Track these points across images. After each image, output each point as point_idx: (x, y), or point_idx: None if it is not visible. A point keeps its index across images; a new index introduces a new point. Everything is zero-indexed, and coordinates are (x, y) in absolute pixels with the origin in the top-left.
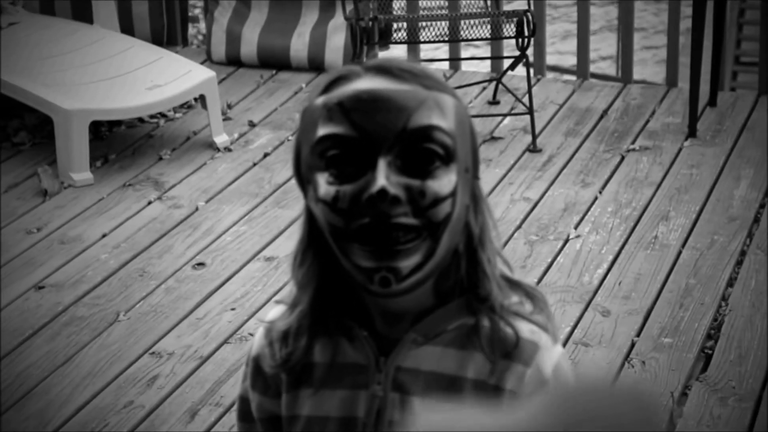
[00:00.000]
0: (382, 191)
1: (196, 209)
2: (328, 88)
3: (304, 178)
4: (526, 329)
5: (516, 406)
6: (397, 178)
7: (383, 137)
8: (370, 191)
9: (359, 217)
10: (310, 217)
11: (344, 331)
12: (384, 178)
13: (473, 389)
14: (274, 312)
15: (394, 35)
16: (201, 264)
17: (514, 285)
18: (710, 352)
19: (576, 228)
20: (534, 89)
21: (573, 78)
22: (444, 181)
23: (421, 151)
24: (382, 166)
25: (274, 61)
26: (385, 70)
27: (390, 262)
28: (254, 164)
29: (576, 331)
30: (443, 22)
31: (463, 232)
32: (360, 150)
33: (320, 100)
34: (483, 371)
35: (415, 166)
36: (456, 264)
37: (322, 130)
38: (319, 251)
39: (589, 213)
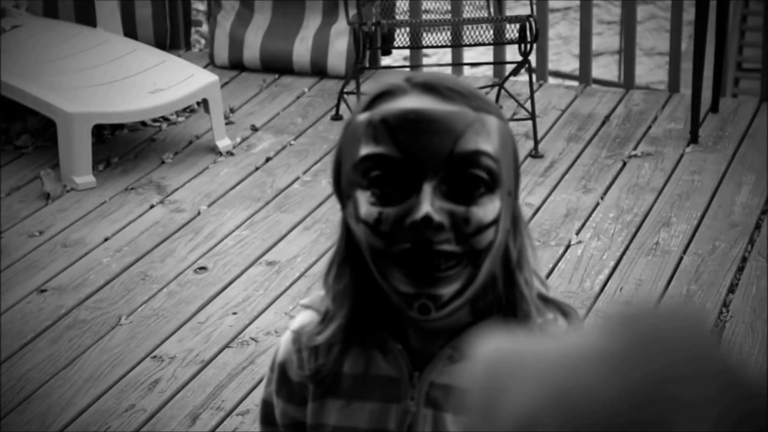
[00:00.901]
0: (427, 218)
1: (198, 213)
2: (372, 104)
3: (344, 193)
4: None
5: (573, 334)
6: (441, 203)
7: (429, 161)
8: (414, 217)
9: (401, 241)
10: (347, 231)
11: (378, 343)
12: (429, 204)
13: None
14: (302, 318)
15: (397, 40)
16: (203, 268)
17: (549, 303)
18: None
19: (577, 234)
20: (536, 95)
21: (575, 83)
22: (488, 208)
23: (466, 177)
24: (427, 191)
25: (277, 66)
26: (432, 88)
27: (430, 289)
28: (256, 168)
29: None
30: (446, 27)
31: (502, 255)
32: (404, 172)
33: (364, 116)
34: None
35: (460, 191)
36: (493, 283)
37: (366, 149)
38: (356, 266)
39: (591, 219)
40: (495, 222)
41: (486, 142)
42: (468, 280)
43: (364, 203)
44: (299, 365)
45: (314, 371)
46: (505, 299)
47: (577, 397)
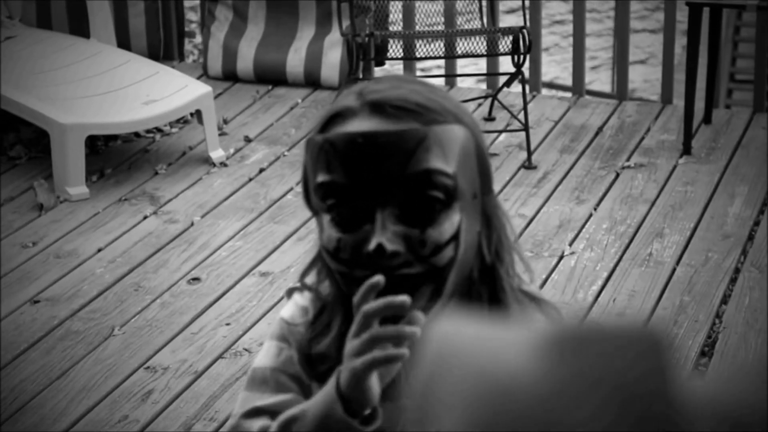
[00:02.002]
0: (380, 248)
1: (192, 224)
2: (326, 125)
3: (313, 209)
4: None
5: (521, 329)
6: (395, 228)
7: (380, 186)
8: (368, 248)
9: (362, 267)
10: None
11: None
12: (380, 233)
13: None
14: (291, 310)
15: (390, 51)
16: (196, 279)
17: (532, 299)
18: (704, 369)
19: (571, 245)
20: (529, 106)
21: (568, 95)
22: (445, 227)
23: (421, 198)
24: (379, 219)
25: (271, 77)
26: (380, 107)
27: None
28: (250, 179)
29: None
30: (439, 39)
31: (476, 256)
32: (358, 198)
33: (318, 139)
34: None
35: (416, 213)
36: (477, 291)
37: (320, 177)
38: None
39: (584, 230)
40: (454, 239)
41: (438, 157)
42: (434, 295)
43: (326, 226)
44: (294, 361)
45: (312, 372)
46: (488, 294)
47: (508, 391)
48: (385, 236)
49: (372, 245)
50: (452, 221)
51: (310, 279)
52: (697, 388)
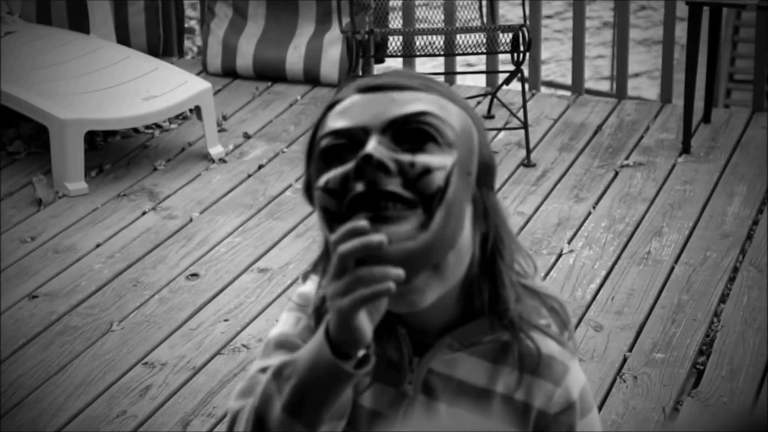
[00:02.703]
0: (367, 156)
1: (191, 220)
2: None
3: (313, 201)
4: (555, 348)
5: None
6: (388, 153)
7: (375, 121)
8: (358, 158)
9: (350, 200)
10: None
11: (386, 325)
12: (372, 147)
13: (501, 404)
14: (306, 290)
15: (390, 48)
16: (195, 275)
17: (532, 293)
18: (702, 367)
19: (569, 243)
20: (529, 104)
21: (568, 93)
22: (435, 156)
23: (413, 131)
24: (372, 139)
25: (270, 73)
26: (378, 89)
27: (382, 228)
28: (249, 176)
29: None
30: (439, 36)
31: (477, 249)
32: (354, 139)
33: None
34: (512, 387)
35: (408, 144)
36: (479, 287)
37: (325, 129)
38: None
39: (583, 228)
40: (444, 170)
41: (438, 109)
42: (421, 225)
43: (321, 175)
44: (311, 330)
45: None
46: (488, 289)
47: None
48: (375, 150)
49: (362, 153)
50: (444, 159)
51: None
52: None
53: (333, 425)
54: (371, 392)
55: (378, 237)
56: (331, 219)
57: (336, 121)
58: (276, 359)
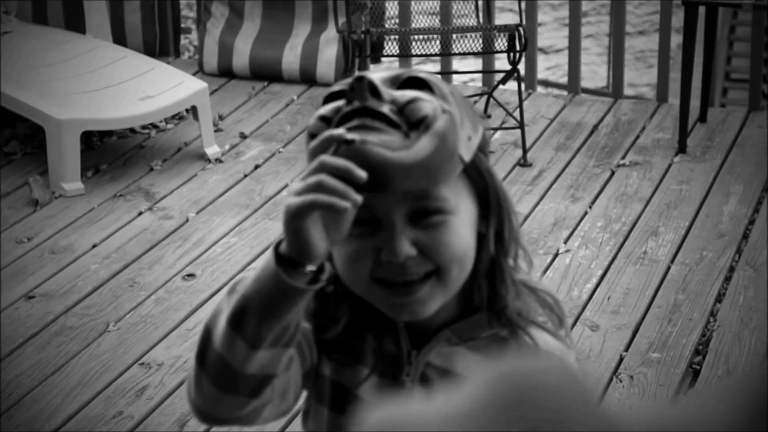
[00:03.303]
0: (360, 77)
1: (187, 220)
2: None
3: None
4: (553, 343)
5: (454, 390)
6: (382, 83)
7: (375, 77)
8: (350, 81)
9: (340, 113)
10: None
11: (385, 319)
12: (367, 74)
13: None
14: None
15: (386, 48)
16: (191, 275)
17: (530, 290)
18: (698, 367)
19: (565, 242)
20: (525, 103)
21: (564, 93)
22: (429, 96)
23: (410, 80)
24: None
25: (266, 73)
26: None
27: (367, 134)
28: (245, 176)
29: None
30: (435, 36)
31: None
32: (353, 88)
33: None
34: None
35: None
36: (478, 284)
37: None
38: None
39: (579, 228)
40: (432, 103)
41: (431, 77)
42: (403, 144)
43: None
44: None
45: (325, 335)
46: (489, 291)
47: None
48: (370, 75)
49: (353, 76)
50: (437, 101)
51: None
52: (621, 410)
53: (278, 352)
54: (369, 384)
55: (361, 173)
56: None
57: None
58: None
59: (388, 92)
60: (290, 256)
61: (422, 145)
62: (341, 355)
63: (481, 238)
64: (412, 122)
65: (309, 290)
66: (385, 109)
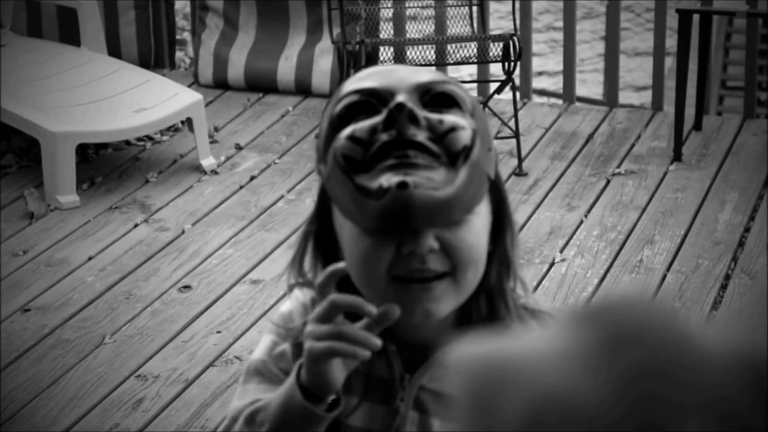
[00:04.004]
0: (400, 104)
1: (183, 232)
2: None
3: (323, 160)
4: None
5: (546, 335)
6: (417, 107)
7: (402, 84)
8: (389, 107)
9: (378, 142)
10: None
11: None
12: (403, 98)
13: None
14: (286, 311)
15: (381, 59)
16: (187, 287)
17: (532, 313)
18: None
19: (561, 251)
20: (520, 113)
21: (559, 102)
22: (462, 120)
23: (438, 95)
24: (400, 95)
25: (261, 84)
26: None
27: (406, 171)
28: (241, 187)
29: None
30: (430, 46)
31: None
32: (379, 97)
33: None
34: None
35: (432, 108)
36: (477, 300)
37: (347, 90)
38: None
39: (575, 236)
40: (469, 129)
41: (454, 82)
42: (446, 181)
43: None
44: (287, 356)
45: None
46: (490, 310)
47: (571, 399)
48: (407, 100)
49: (393, 103)
50: (469, 122)
51: (310, 272)
52: (710, 335)
53: None
54: (361, 411)
55: (371, 307)
56: (353, 168)
57: (359, 83)
58: (251, 396)
59: (424, 116)
60: (312, 390)
61: (462, 177)
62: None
63: (487, 256)
64: (452, 153)
65: (331, 416)
66: (422, 137)
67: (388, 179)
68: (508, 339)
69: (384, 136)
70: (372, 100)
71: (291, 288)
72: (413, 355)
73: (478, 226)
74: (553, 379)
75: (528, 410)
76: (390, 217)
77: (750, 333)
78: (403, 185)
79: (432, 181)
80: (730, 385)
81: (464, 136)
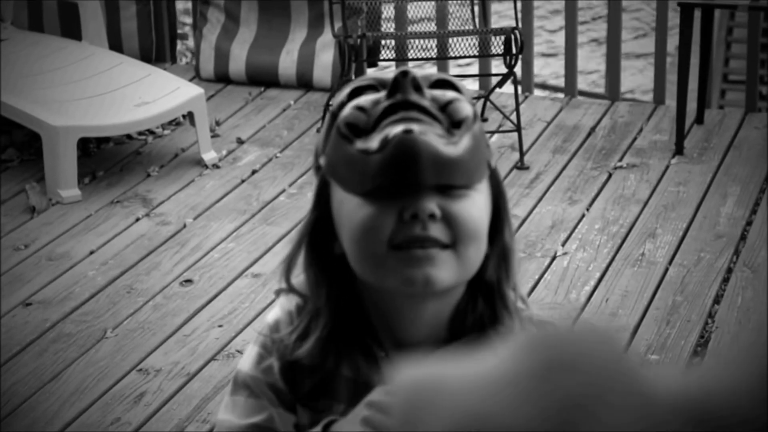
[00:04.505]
0: (405, 71)
1: (184, 226)
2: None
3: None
4: None
5: (491, 353)
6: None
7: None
8: (395, 74)
9: (382, 105)
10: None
11: (363, 350)
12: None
13: None
14: (272, 320)
15: (383, 53)
16: (188, 281)
17: (537, 324)
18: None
19: (563, 245)
20: (522, 106)
21: (561, 95)
22: (463, 98)
23: (439, 82)
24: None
25: (263, 78)
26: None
27: (412, 125)
28: (242, 181)
29: None
30: (431, 40)
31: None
32: (384, 84)
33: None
34: None
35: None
36: (473, 302)
37: (356, 81)
38: (332, 273)
39: (577, 230)
40: (470, 105)
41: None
42: (451, 142)
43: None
44: (274, 371)
45: (312, 387)
46: (489, 313)
47: (493, 422)
48: (411, 70)
49: (398, 70)
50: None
51: (298, 277)
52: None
53: None
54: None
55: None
56: (355, 133)
57: (362, 80)
58: (239, 410)
59: (427, 90)
60: None
61: (465, 143)
62: (314, 399)
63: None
64: (454, 121)
65: None
66: (427, 104)
67: (393, 131)
68: (452, 362)
69: (390, 100)
70: (375, 83)
71: (278, 294)
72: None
73: (480, 202)
74: (480, 402)
75: (448, 429)
76: (395, 166)
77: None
78: (408, 131)
79: (436, 134)
80: (668, 423)
81: (466, 108)
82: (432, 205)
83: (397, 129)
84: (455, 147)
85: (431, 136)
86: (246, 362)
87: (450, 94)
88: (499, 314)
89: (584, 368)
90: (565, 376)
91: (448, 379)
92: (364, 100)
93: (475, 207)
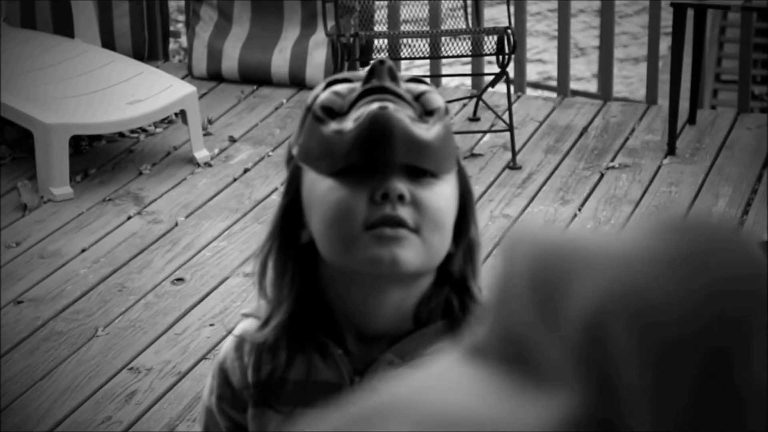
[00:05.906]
0: (381, 60)
1: (176, 224)
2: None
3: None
4: None
5: (624, 235)
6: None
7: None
8: (372, 63)
9: (358, 90)
10: (286, 215)
11: (318, 347)
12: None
13: None
14: (245, 325)
15: (375, 52)
16: (180, 279)
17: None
18: None
19: None
20: (514, 106)
21: (553, 95)
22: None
23: (412, 80)
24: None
25: (255, 77)
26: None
27: (385, 103)
28: (234, 180)
29: None
30: (424, 39)
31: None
32: (359, 79)
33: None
34: None
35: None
36: (438, 289)
37: (321, 85)
38: (297, 263)
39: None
40: (442, 99)
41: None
42: (423, 127)
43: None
44: (242, 373)
45: (265, 378)
46: (455, 307)
47: (644, 293)
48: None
49: (375, 60)
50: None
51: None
52: None
53: None
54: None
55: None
56: (329, 115)
57: (343, 73)
58: None
59: (403, 83)
60: None
61: (437, 130)
62: (278, 404)
63: (447, 258)
64: (427, 110)
65: None
66: (402, 92)
67: (367, 108)
68: (576, 234)
69: (365, 86)
70: (351, 78)
71: (244, 316)
72: (364, 354)
73: (447, 194)
74: (624, 276)
75: (591, 304)
76: (368, 141)
77: None
78: (383, 108)
79: (408, 113)
80: None
81: (438, 100)
82: (402, 186)
83: (372, 106)
84: (427, 131)
85: (404, 116)
86: (206, 391)
87: (423, 87)
88: (465, 308)
89: (730, 258)
90: (712, 264)
91: (583, 249)
92: (341, 87)
93: (442, 197)
